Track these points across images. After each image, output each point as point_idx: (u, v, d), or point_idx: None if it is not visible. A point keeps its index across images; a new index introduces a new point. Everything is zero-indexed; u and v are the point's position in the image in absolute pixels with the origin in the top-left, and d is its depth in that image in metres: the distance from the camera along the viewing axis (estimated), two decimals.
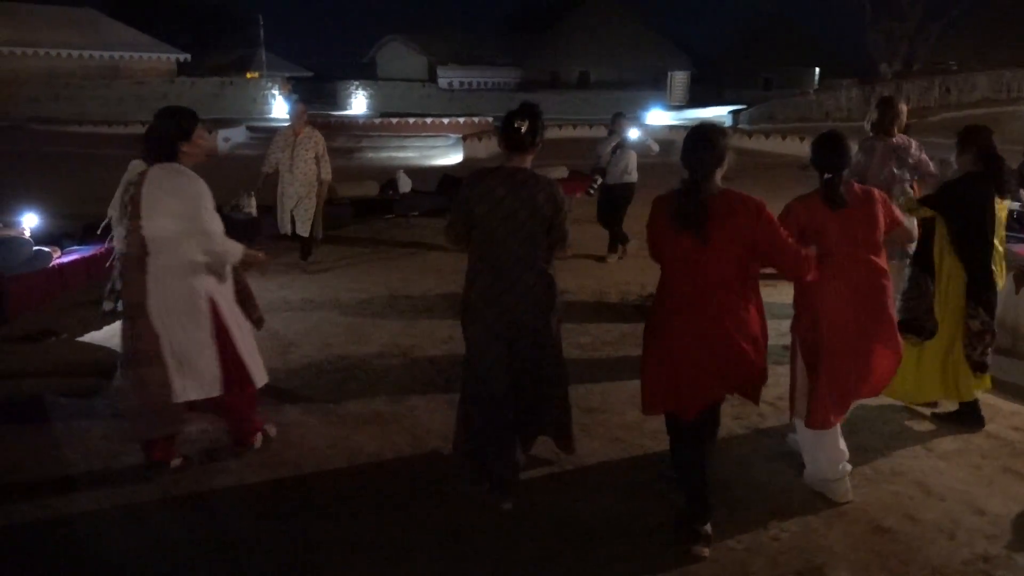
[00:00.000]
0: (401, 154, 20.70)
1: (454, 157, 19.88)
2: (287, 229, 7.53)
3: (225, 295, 3.70)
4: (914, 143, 5.20)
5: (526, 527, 3.38)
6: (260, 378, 3.83)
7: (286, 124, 7.53)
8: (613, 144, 8.03)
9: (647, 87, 41.92)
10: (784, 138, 19.88)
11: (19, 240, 5.78)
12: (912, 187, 5.20)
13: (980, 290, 4.16)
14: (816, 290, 3.40)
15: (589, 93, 39.65)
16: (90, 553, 3.25)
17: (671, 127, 25.99)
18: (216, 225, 3.53)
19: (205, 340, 3.55)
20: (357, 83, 40.93)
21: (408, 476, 3.83)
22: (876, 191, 3.54)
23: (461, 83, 39.60)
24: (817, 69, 44.31)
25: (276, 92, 33.89)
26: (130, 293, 3.51)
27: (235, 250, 3.66)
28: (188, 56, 33.40)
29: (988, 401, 4.69)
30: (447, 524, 3.40)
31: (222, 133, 20.57)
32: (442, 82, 39.53)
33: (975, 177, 4.20)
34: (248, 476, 3.78)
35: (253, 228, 8.45)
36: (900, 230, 3.61)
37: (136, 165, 3.76)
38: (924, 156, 5.14)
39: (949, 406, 4.45)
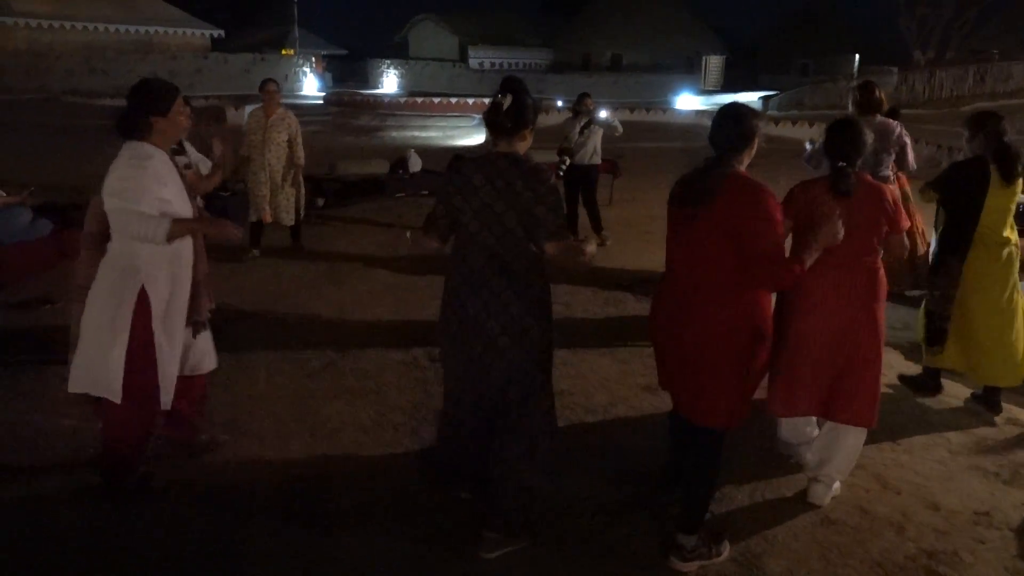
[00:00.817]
0: (424, 133, 20.71)
1: (477, 138, 19.81)
2: (260, 215, 7.09)
3: (160, 287, 3.16)
4: (900, 127, 5.20)
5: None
6: (159, 397, 3.23)
7: (258, 105, 7.14)
8: (581, 124, 7.92)
9: (680, 71, 41.43)
10: (811, 125, 19.55)
11: (17, 209, 5.89)
12: (896, 177, 5.14)
13: (935, 270, 4.31)
14: (810, 279, 3.06)
15: (620, 76, 39.26)
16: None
17: (699, 111, 25.74)
18: (142, 203, 3.01)
19: (105, 337, 3.10)
20: (388, 62, 41.00)
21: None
22: (888, 189, 3.39)
23: (492, 64, 39.43)
24: (857, 56, 43.36)
25: (307, 69, 34.09)
26: (82, 276, 3.32)
27: (159, 230, 2.99)
28: (222, 32, 33.65)
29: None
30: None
31: (248, 108, 20.65)
32: (472, 62, 39.41)
33: (976, 160, 4.16)
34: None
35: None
36: (897, 239, 3.26)
37: None
38: (908, 141, 5.13)
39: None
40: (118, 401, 3.11)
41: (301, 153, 7.13)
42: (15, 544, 3.06)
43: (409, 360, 4.99)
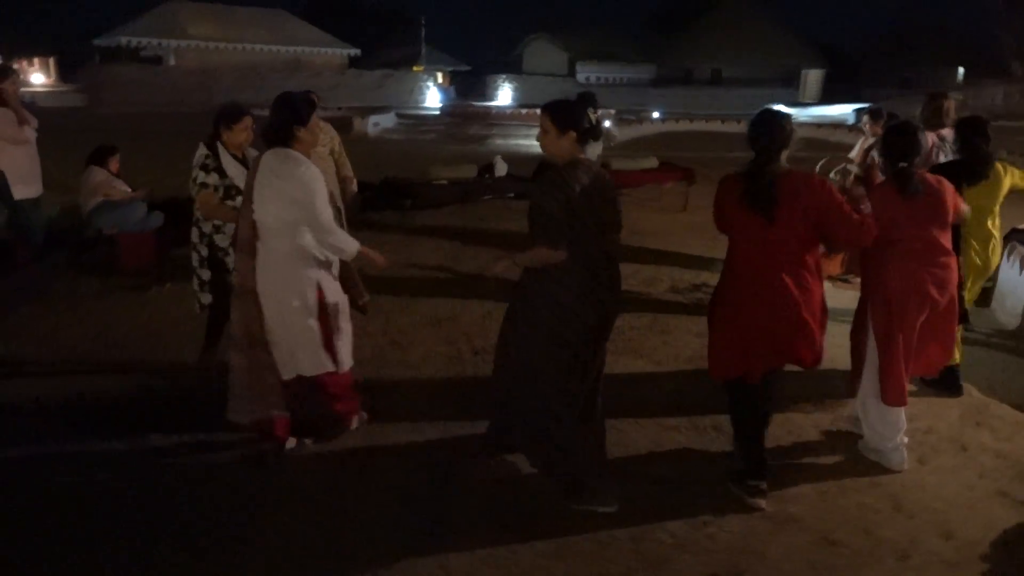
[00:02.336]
0: (526, 141, 20.56)
1: None
2: None
3: (330, 279, 3.41)
4: (948, 136, 4.86)
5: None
6: (346, 363, 3.50)
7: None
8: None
9: (779, 85, 39.50)
10: None
11: (135, 204, 6.19)
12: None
13: None
14: (887, 273, 3.34)
15: (719, 90, 37.85)
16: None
17: (799, 123, 24.36)
18: (328, 215, 3.25)
19: (310, 324, 3.30)
20: (504, 76, 41.18)
21: None
22: (946, 181, 3.48)
23: (598, 78, 38.87)
24: (961, 69, 40.02)
25: (431, 84, 34.69)
26: (240, 277, 3.30)
27: (351, 247, 3.36)
28: (358, 51, 34.78)
29: (1016, 418, 4.05)
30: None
31: (372, 119, 21.25)
32: (580, 77, 38.98)
33: (948, 164, 4.22)
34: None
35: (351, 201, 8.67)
36: (961, 213, 3.66)
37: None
38: (939, 157, 4.81)
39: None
40: (335, 368, 3.41)
41: (348, 164, 6.33)
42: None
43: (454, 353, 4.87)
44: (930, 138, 4.81)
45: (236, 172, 3.96)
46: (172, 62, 30.87)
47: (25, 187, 5.69)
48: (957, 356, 4.17)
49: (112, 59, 30.55)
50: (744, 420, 3.26)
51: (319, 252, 3.29)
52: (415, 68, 38.95)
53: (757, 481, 3.17)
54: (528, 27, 46.31)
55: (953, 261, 3.46)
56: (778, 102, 34.18)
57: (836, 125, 22.86)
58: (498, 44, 57.90)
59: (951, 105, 4.99)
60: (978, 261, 4.29)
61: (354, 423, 3.68)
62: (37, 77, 55.77)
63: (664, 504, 3.16)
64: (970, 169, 4.07)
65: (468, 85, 46.64)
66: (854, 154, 7.00)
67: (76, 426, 3.73)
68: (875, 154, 6.15)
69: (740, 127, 23.39)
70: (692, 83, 40.10)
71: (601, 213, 2.99)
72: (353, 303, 3.65)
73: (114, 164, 6.32)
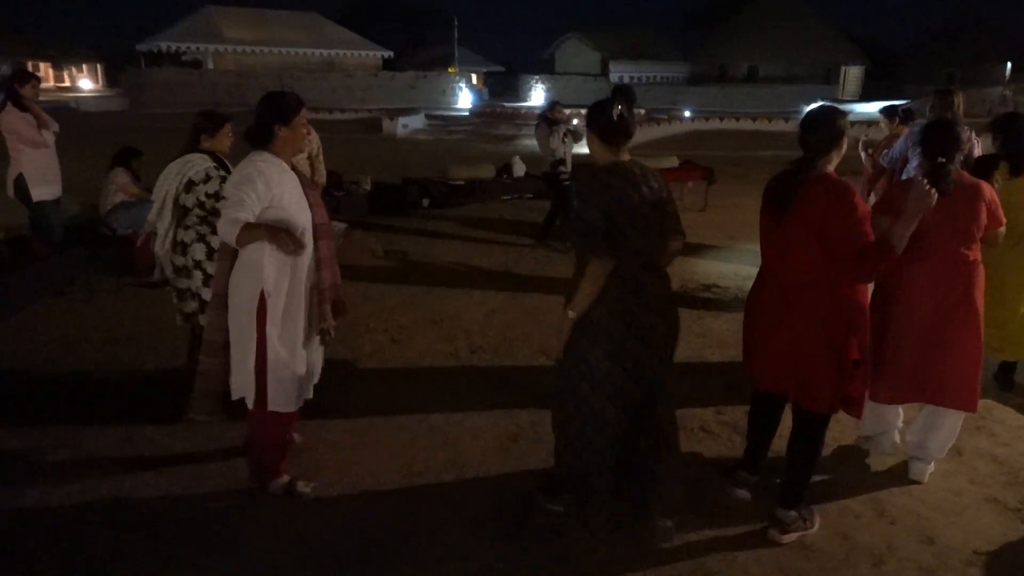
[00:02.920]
0: None
1: None
2: None
3: (280, 294, 2.96)
4: (967, 130, 4.63)
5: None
6: (277, 403, 3.03)
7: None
8: (562, 132, 7.39)
9: (817, 81, 38.78)
10: None
11: (149, 204, 6.33)
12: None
13: None
14: (896, 271, 3.13)
15: (755, 87, 37.27)
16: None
17: None
18: (231, 202, 2.84)
19: (248, 343, 2.95)
20: (536, 77, 41.17)
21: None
22: (986, 186, 3.22)
23: (631, 77, 38.62)
24: (1008, 64, 38.77)
25: (463, 85, 34.82)
26: (216, 283, 3.14)
27: (226, 230, 2.82)
28: (391, 53, 35.12)
29: (1019, 423, 3.93)
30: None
31: (401, 120, 21.44)
32: (613, 76, 38.80)
33: (987, 157, 4.07)
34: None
35: (365, 201, 8.80)
36: (994, 234, 3.28)
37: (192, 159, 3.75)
38: (973, 142, 4.73)
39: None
40: (250, 407, 3.01)
41: (323, 171, 6.13)
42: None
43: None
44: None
45: None
46: (210, 65, 31.56)
47: (44, 188, 5.88)
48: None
49: (155, 63, 31.40)
50: (754, 417, 3.23)
51: (272, 258, 2.91)
52: (450, 70, 39.19)
53: (747, 473, 3.21)
54: (560, 27, 46.38)
55: (978, 272, 3.20)
56: (816, 99, 33.53)
57: (870, 123, 22.33)
58: (531, 45, 57.89)
59: (960, 100, 4.96)
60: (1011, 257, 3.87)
61: (281, 485, 3.18)
62: (85, 83, 57.61)
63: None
64: (1014, 161, 3.98)
65: (503, 85, 46.78)
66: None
67: (73, 416, 3.84)
68: (865, 151, 6.26)
69: (771, 125, 23.10)
70: (727, 81, 39.60)
71: (649, 221, 2.67)
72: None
73: (138, 166, 6.50)
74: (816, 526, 2.98)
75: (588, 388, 2.73)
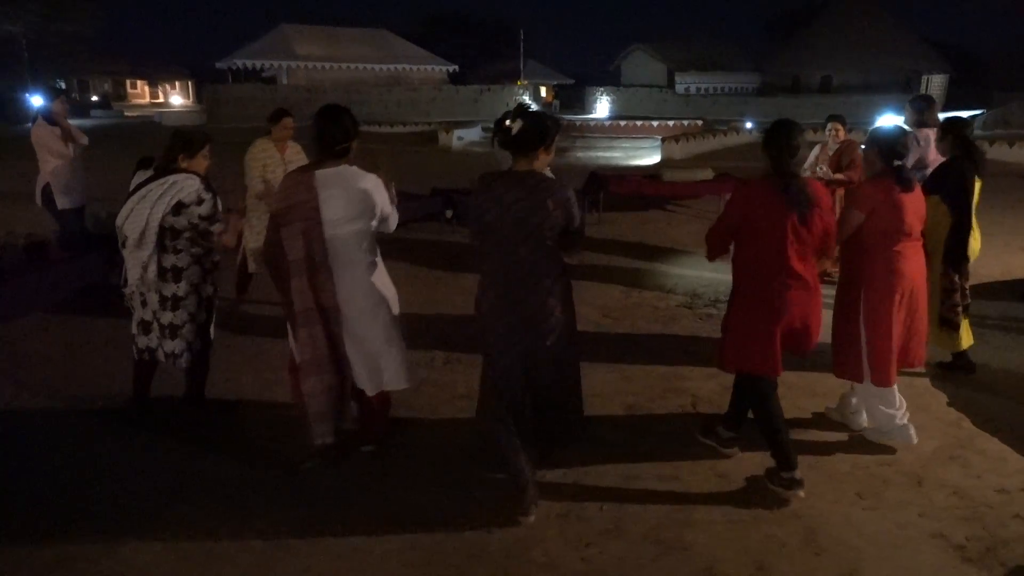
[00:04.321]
0: (608, 154, 20.42)
1: (654, 157, 19.22)
2: (252, 267, 5.74)
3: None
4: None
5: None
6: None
7: (265, 136, 5.63)
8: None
9: (896, 90, 37.10)
10: (1011, 145, 16.53)
11: None
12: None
13: (955, 256, 4.45)
14: (883, 262, 3.51)
15: (827, 97, 35.96)
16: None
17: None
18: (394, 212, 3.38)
19: (396, 335, 3.42)
20: (601, 89, 40.97)
21: None
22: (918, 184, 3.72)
23: (698, 88, 37.98)
24: None
25: (526, 98, 35.03)
26: (312, 298, 3.19)
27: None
28: (456, 67, 35.68)
29: (1000, 454, 3.65)
30: None
31: (457, 132, 21.74)
32: (679, 87, 38.23)
33: (958, 159, 4.43)
34: None
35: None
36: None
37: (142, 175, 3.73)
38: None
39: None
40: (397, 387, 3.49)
41: None
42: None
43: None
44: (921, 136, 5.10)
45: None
46: (284, 81, 32.85)
47: (68, 197, 6.26)
48: (964, 343, 4.56)
49: (243, 80, 32.90)
50: (771, 415, 3.28)
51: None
52: (519, 83, 39.51)
53: (791, 472, 3.23)
54: (627, 39, 46.05)
55: (923, 253, 3.72)
56: (892, 109, 32.08)
57: None
58: (603, 58, 57.81)
59: (935, 108, 5.34)
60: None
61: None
62: (176, 98, 61.03)
63: (550, 523, 3.08)
64: (978, 164, 4.44)
65: (573, 97, 46.78)
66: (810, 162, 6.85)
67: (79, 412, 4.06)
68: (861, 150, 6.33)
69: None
70: (800, 91, 38.37)
71: (504, 222, 2.94)
72: None
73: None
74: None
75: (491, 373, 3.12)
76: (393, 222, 3.36)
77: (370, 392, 3.40)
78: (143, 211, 3.59)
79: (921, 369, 3.98)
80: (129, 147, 7.42)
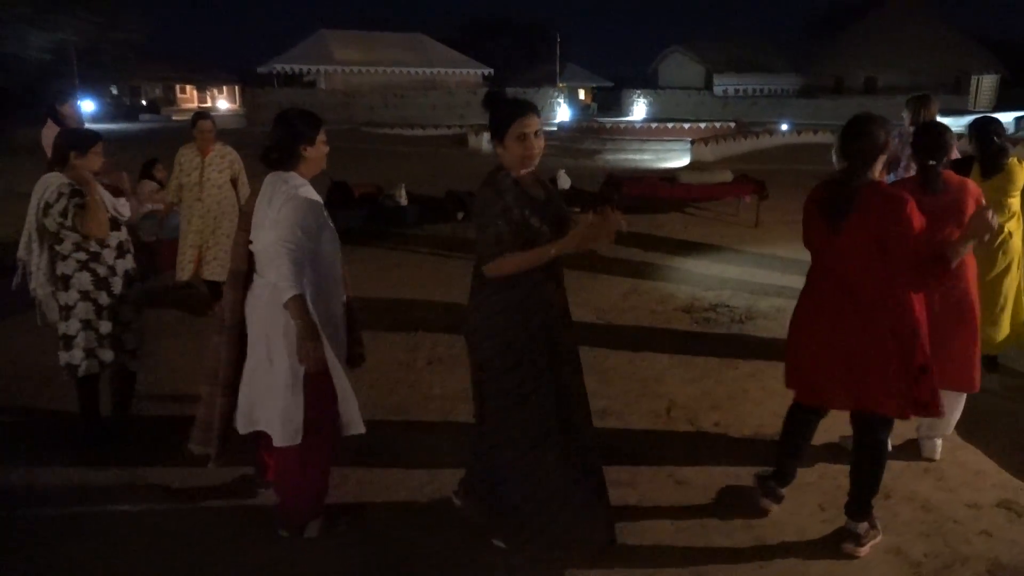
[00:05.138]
0: (638, 156, 20.20)
1: (684, 159, 18.97)
2: (187, 274, 5.65)
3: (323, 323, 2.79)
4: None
5: None
6: (350, 427, 2.93)
7: (190, 143, 5.58)
8: None
9: (946, 91, 35.97)
10: None
11: (173, 214, 6.79)
12: None
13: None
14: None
15: (870, 99, 35.00)
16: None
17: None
18: (285, 248, 2.68)
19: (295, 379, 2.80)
20: (639, 92, 40.62)
21: None
22: (972, 184, 3.40)
23: (736, 90, 37.36)
24: None
25: (561, 101, 34.95)
26: (230, 314, 2.88)
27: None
28: (491, 70, 35.78)
29: (980, 467, 3.49)
30: None
31: (486, 135, 21.64)
32: (717, 89, 37.67)
33: (962, 159, 4.24)
34: None
35: (400, 214, 9.01)
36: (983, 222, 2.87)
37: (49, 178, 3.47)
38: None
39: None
40: (289, 442, 2.78)
41: (248, 193, 5.30)
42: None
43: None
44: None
45: (111, 200, 3.61)
46: (322, 85, 33.37)
47: None
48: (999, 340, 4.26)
49: (286, 84, 33.50)
50: (791, 433, 3.14)
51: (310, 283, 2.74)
52: (560, 85, 39.39)
53: (777, 485, 3.16)
54: (667, 41, 45.59)
55: (970, 264, 3.44)
56: (941, 110, 31.09)
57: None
58: (642, 60, 57.42)
59: (935, 106, 4.93)
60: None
61: (310, 531, 2.96)
62: (222, 103, 62.51)
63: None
64: (986, 163, 4.14)
65: (611, 100, 46.53)
66: None
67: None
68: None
69: None
70: (843, 92, 37.46)
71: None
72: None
73: (160, 172, 7.00)
74: (880, 533, 2.94)
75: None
76: (275, 276, 2.68)
77: (241, 430, 2.93)
78: (28, 213, 3.48)
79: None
80: (163, 149, 7.68)
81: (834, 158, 2.84)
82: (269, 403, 2.78)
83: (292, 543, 2.91)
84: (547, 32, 47.48)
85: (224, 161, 5.55)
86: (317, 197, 2.81)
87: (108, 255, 3.58)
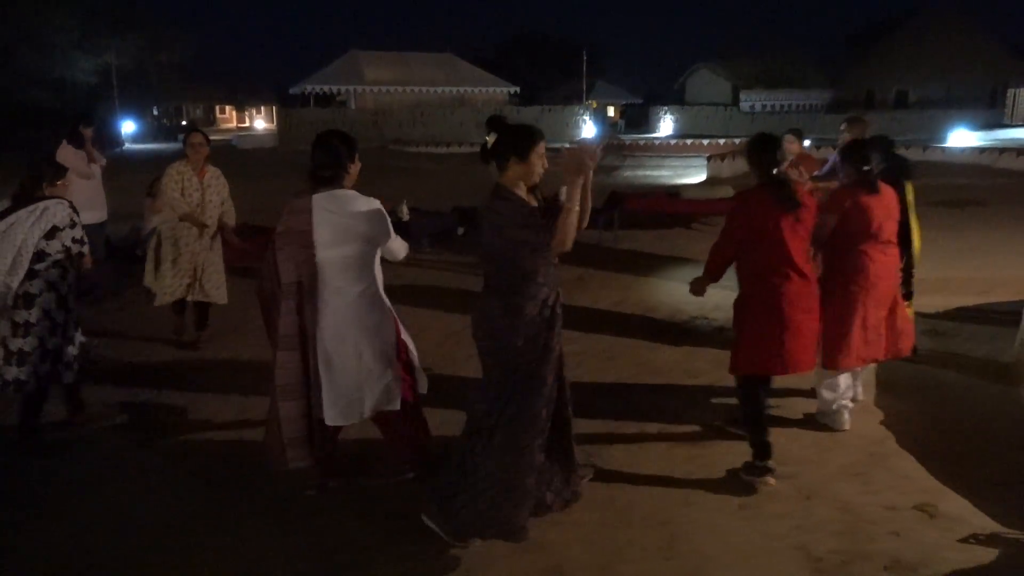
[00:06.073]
0: (656, 172, 20.30)
1: (702, 175, 19.00)
2: (178, 294, 5.36)
3: None
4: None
5: None
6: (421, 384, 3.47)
7: (182, 160, 5.35)
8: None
9: (979, 105, 35.37)
10: None
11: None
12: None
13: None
14: (861, 259, 3.83)
15: (903, 113, 34.57)
16: None
17: (978, 149, 21.75)
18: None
19: (392, 357, 3.28)
20: (665, 108, 40.68)
21: None
22: (888, 188, 3.99)
23: (763, 106, 37.17)
24: None
25: (586, 118, 35.18)
26: (286, 323, 3.14)
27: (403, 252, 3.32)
28: (517, 88, 36.24)
29: (908, 472, 3.56)
30: None
31: None
32: (744, 105, 37.52)
33: (891, 167, 4.56)
34: None
35: (402, 230, 9.25)
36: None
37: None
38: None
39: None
40: (396, 407, 3.27)
41: (233, 212, 5.55)
42: None
43: None
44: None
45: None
46: (353, 105, 34.16)
47: (89, 213, 6.78)
48: None
49: (320, 104, 34.36)
50: (758, 411, 3.52)
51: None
52: (590, 103, 39.65)
53: (764, 462, 3.47)
54: (697, 58, 45.54)
55: (895, 254, 4.03)
56: (971, 124, 30.55)
57: (1004, 150, 20.17)
58: (669, 76, 57.45)
59: (867, 125, 5.45)
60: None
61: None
62: (259, 123, 64.14)
63: (397, 525, 3.22)
64: (908, 170, 4.74)
65: (641, 116, 46.69)
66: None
67: None
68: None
69: (907, 152, 21.38)
70: (874, 107, 37.03)
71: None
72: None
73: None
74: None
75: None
76: (397, 249, 3.26)
77: (329, 421, 3.22)
78: (14, 238, 3.62)
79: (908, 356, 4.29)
80: None
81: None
82: (372, 388, 3.19)
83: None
84: (580, 50, 47.96)
85: (220, 183, 5.41)
86: None
87: (70, 277, 3.88)
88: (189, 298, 5.41)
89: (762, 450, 3.48)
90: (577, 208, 2.84)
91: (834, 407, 4.02)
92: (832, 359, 3.86)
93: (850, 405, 4.08)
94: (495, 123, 3.07)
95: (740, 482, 3.48)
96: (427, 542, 2.98)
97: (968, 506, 3.26)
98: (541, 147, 2.94)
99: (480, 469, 2.90)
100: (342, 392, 3.17)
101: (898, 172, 4.54)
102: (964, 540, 3.00)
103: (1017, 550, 2.95)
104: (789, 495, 3.39)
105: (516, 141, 2.94)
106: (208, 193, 5.30)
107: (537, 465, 2.94)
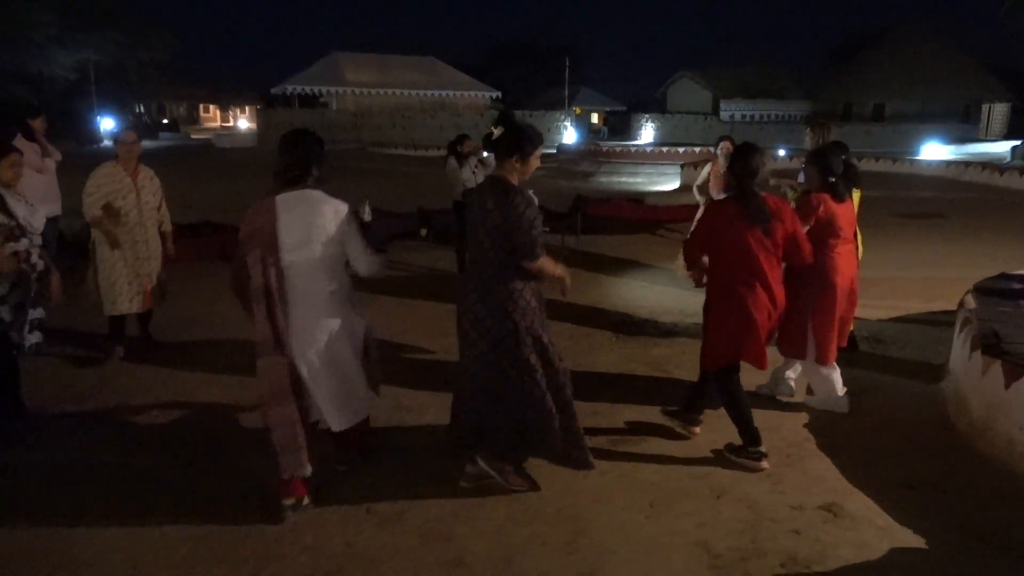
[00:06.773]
0: (631, 179, 20.47)
1: (675, 183, 19.18)
2: (126, 307, 5.10)
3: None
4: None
5: None
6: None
7: (112, 160, 5.05)
8: (473, 164, 7.45)
9: (953, 119, 35.94)
10: None
11: None
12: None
13: None
14: (838, 261, 4.16)
15: (877, 126, 35.06)
16: None
17: (947, 162, 22.09)
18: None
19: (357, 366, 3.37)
20: (646, 116, 41.01)
21: None
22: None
23: (743, 116, 37.59)
24: None
25: (567, 124, 35.38)
26: (273, 330, 3.06)
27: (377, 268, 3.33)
28: (499, 93, 36.38)
29: (823, 473, 3.64)
30: None
31: (485, 154, 22.10)
32: (723, 115, 37.93)
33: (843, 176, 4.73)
34: None
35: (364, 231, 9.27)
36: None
37: None
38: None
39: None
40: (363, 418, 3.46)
41: (168, 217, 5.34)
42: None
43: None
44: None
45: (25, 211, 3.83)
46: (334, 106, 34.13)
47: (43, 207, 6.77)
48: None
49: (306, 105, 34.27)
50: (738, 398, 3.70)
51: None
52: (575, 109, 39.86)
53: (757, 447, 3.67)
54: (674, 67, 46.00)
55: (855, 253, 4.44)
56: (945, 138, 31.02)
57: (970, 164, 20.49)
58: (653, 84, 57.89)
59: (829, 131, 5.53)
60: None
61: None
62: (242, 122, 63.80)
63: (342, 514, 3.25)
64: (857, 178, 4.86)
65: (625, 123, 47.02)
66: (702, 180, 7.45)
67: None
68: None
69: (877, 165, 21.75)
70: (851, 119, 37.52)
71: (476, 229, 3.17)
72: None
73: None
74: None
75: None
76: (369, 264, 3.21)
77: (336, 427, 3.30)
78: None
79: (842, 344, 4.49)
80: (170, 167, 8.02)
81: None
82: (357, 386, 3.32)
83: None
84: (563, 57, 48.24)
85: (154, 184, 5.16)
86: None
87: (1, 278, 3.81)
88: (134, 310, 5.15)
89: (753, 436, 3.67)
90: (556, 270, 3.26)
91: (840, 393, 4.33)
92: (824, 354, 4.20)
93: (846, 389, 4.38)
94: (504, 119, 3.23)
95: (652, 481, 3.52)
96: (338, 532, 3.01)
97: (872, 506, 3.33)
98: (540, 151, 3.17)
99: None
100: (332, 397, 3.22)
101: (848, 179, 4.67)
102: (861, 539, 3.07)
103: (909, 549, 3.02)
104: (700, 493, 3.44)
105: (522, 141, 3.12)
106: (143, 194, 5.04)
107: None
